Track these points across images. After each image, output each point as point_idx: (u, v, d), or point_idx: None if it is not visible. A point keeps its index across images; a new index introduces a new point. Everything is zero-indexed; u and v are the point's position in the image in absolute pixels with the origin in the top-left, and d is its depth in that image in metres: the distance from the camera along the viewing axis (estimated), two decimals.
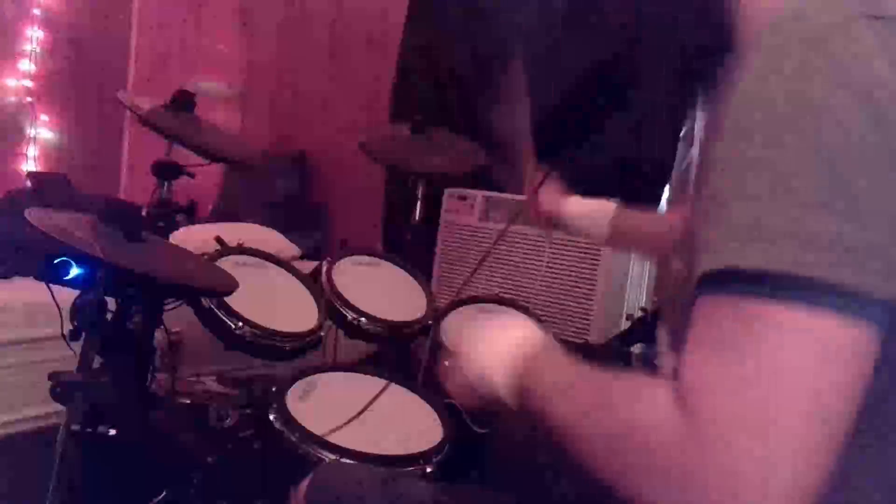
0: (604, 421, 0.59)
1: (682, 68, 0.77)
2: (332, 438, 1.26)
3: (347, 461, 1.21)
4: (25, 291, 2.01)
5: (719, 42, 0.72)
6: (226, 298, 1.43)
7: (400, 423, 1.36)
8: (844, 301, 0.51)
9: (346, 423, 1.30)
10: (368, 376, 1.54)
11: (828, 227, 0.51)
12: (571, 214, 1.25)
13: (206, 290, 1.41)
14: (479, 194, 2.37)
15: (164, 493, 1.37)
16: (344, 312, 1.63)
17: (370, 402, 1.35)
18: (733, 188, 0.55)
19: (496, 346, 0.75)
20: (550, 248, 2.19)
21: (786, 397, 0.51)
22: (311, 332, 1.54)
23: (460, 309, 1.78)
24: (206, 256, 1.56)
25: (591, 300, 2.09)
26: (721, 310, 0.54)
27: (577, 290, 2.11)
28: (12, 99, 3.86)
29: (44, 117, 3.91)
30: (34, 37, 3.86)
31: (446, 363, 0.84)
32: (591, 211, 1.24)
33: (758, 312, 0.52)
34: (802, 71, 0.54)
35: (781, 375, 0.51)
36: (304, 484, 1.00)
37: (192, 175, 1.77)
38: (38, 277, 1.33)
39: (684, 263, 0.71)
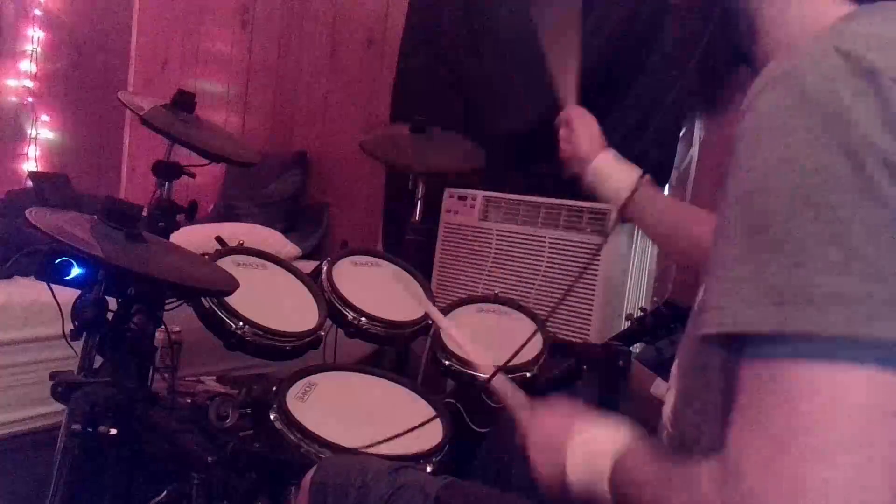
0: None
1: (698, 67, 0.76)
2: (332, 437, 1.27)
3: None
4: (26, 291, 2.01)
5: (737, 52, 0.72)
6: (226, 298, 1.43)
7: (400, 423, 1.35)
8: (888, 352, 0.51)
9: (381, 441, 1.28)
10: (368, 376, 1.55)
11: (855, 286, 0.51)
12: (596, 169, 1.21)
13: (207, 289, 1.41)
14: (479, 194, 2.37)
15: (165, 492, 1.38)
16: (344, 312, 1.63)
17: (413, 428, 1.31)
18: (757, 249, 0.55)
19: (593, 447, 0.75)
20: (550, 248, 2.19)
21: (829, 461, 0.51)
22: (311, 332, 1.54)
23: (460, 309, 1.78)
24: (206, 256, 1.57)
25: (591, 300, 2.09)
26: (765, 376, 0.55)
27: (578, 290, 2.10)
28: (13, 99, 3.87)
29: (44, 117, 3.92)
30: (35, 37, 3.86)
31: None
32: (617, 173, 1.20)
33: (804, 377, 0.53)
34: (794, 133, 0.54)
35: (821, 435, 0.52)
36: (310, 473, 1.00)
37: (192, 175, 1.78)
38: (39, 277, 1.33)
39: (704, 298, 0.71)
